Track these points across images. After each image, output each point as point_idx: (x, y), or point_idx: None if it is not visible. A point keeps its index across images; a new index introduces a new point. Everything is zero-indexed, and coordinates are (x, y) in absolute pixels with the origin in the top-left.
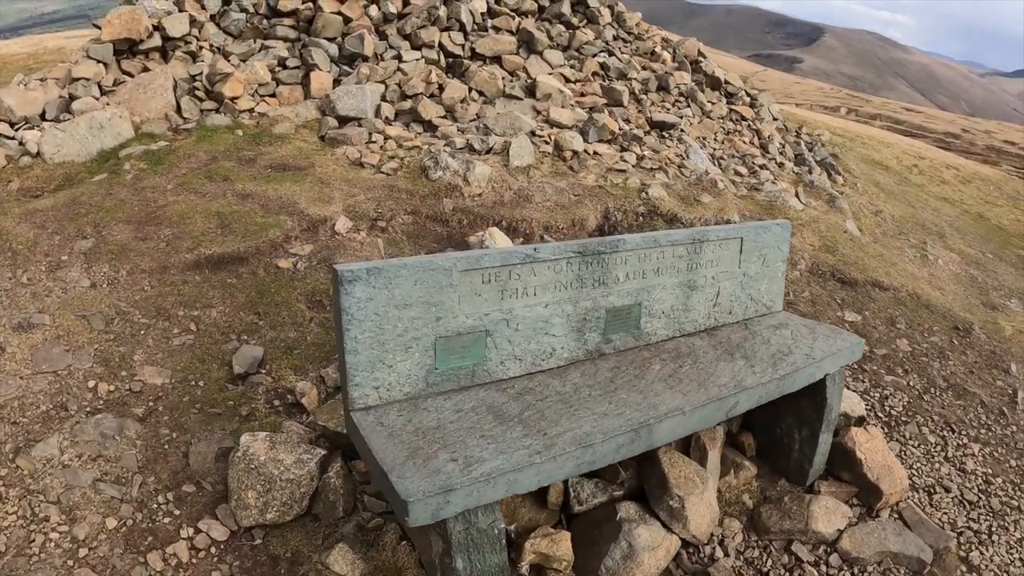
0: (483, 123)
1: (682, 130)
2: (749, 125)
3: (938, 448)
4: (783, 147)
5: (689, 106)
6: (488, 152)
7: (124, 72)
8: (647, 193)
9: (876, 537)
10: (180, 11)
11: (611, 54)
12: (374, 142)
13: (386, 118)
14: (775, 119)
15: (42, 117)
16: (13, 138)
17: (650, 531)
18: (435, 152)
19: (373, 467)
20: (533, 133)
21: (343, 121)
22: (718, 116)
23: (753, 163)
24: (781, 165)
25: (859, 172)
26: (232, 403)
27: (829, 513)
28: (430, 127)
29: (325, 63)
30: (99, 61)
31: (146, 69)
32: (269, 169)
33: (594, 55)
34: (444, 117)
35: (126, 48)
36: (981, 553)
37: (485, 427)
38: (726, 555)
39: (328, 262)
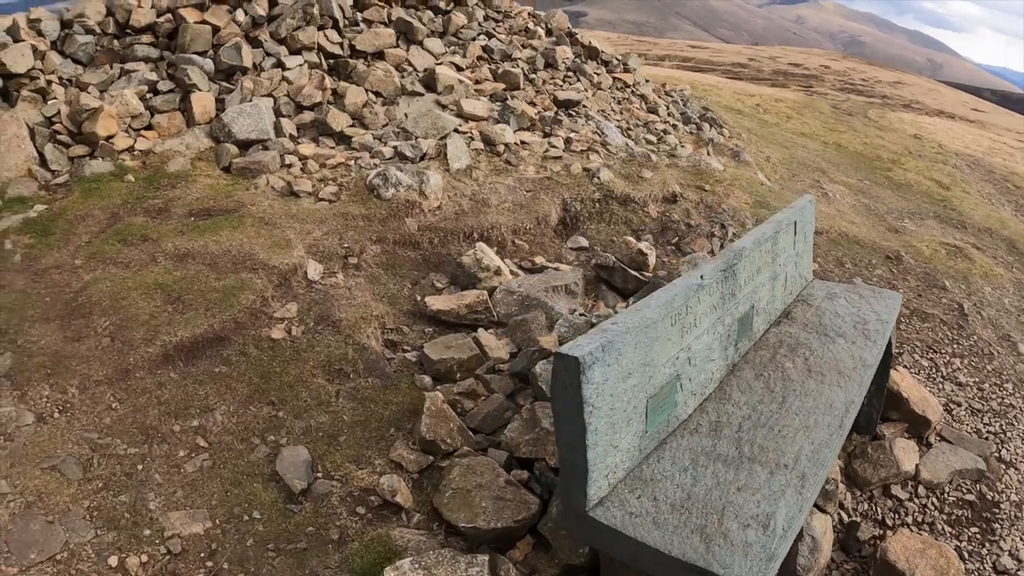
0: (400, 127)
1: (584, 105)
2: (633, 91)
3: (933, 370)
4: (668, 108)
5: (579, 80)
6: (423, 158)
7: None
8: (599, 178)
9: (943, 461)
10: (15, 41)
11: (490, 36)
12: (289, 165)
13: (291, 135)
14: (647, 81)
15: None
16: None
17: (815, 518)
18: (383, 169)
19: (665, 565)
20: (456, 130)
21: (243, 146)
22: (608, 87)
23: (655, 128)
24: (675, 127)
25: (729, 121)
26: (312, 529)
27: (907, 452)
28: (343, 139)
29: (203, 82)
30: None
31: None
32: (192, 218)
33: (473, 39)
34: (353, 126)
35: None
36: (1008, 450)
37: (729, 478)
38: (850, 515)
39: (324, 319)
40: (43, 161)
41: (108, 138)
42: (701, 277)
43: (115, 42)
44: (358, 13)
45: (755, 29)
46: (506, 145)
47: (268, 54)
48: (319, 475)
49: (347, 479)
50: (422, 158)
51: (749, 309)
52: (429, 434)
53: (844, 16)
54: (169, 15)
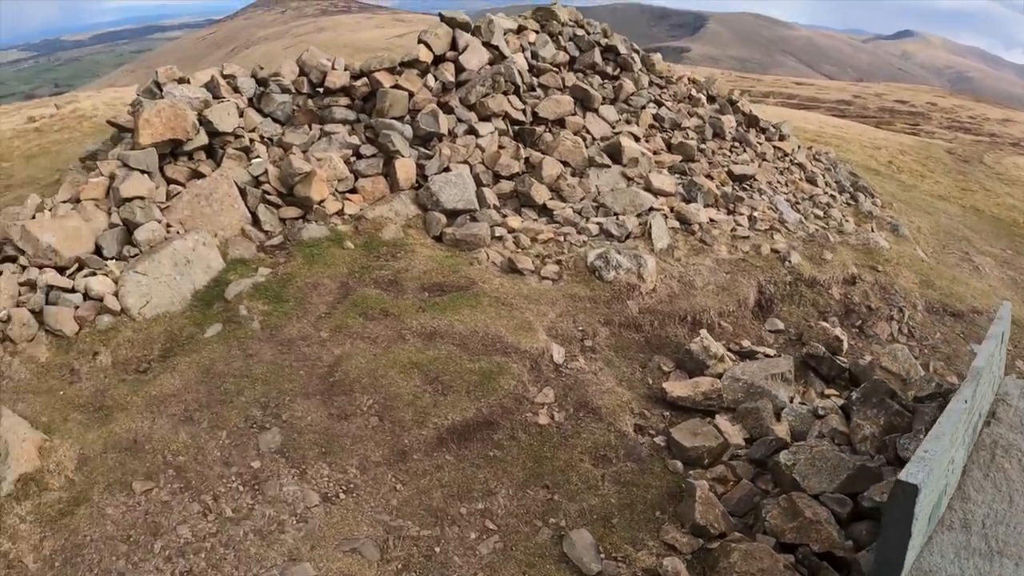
0: (598, 202)
1: (756, 179)
2: (791, 160)
3: None
4: (824, 177)
5: (745, 150)
6: (628, 237)
7: (169, 180)
8: (790, 261)
9: None
10: (216, 98)
11: (659, 104)
12: (500, 238)
13: (494, 206)
14: (800, 147)
15: (98, 254)
16: (73, 290)
17: None
18: (604, 251)
19: None
20: (653, 208)
21: (451, 215)
22: (771, 157)
23: (820, 202)
24: (834, 198)
25: (874, 185)
26: None
27: None
28: (544, 211)
29: (405, 148)
30: (143, 171)
31: (196, 174)
32: (425, 293)
33: (643, 107)
34: (552, 198)
35: (168, 151)
36: None
37: (986, 569)
38: None
39: (583, 405)
40: (255, 221)
41: (320, 202)
42: (965, 401)
43: (309, 102)
44: (534, 78)
45: (860, 65)
46: (699, 224)
47: (460, 120)
48: (602, 556)
49: (629, 560)
50: (627, 237)
51: (977, 418)
52: (701, 519)
53: (950, 51)
54: (365, 79)
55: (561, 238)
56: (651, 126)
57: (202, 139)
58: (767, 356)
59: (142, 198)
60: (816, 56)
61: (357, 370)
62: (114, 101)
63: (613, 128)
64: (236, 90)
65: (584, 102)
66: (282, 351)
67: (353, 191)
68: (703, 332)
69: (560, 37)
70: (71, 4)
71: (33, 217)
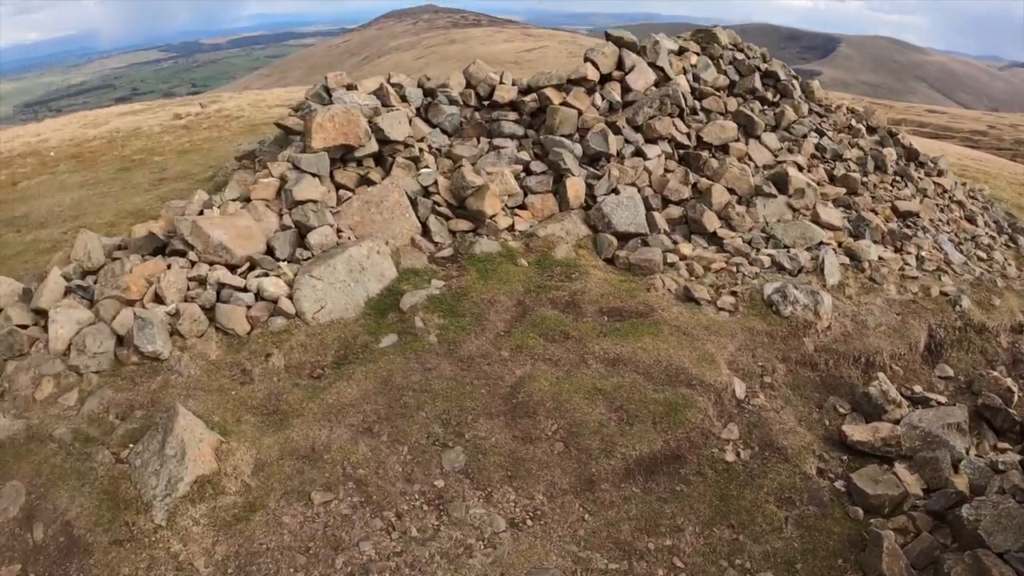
0: (768, 232)
1: (919, 216)
2: (951, 197)
3: None
4: (984, 217)
5: (906, 185)
6: (799, 272)
7: (338, 185)
8: (960, 306)
9: None
10: (385, 106)
11: (821, 133)
12: (672, 264)
13: (664, 231)
14: (957, 183)
15: (270, 254)
16: (246, 289)
17: None
18: (782, 286)
19: None
20: (823, 243)
21: (621, 237)
22: (932, 193)
23: (982, 243)
24: (994, 238)
25: None
26: None
27: None
28: (713, 239)
29: (575, 166)
30: (314, 175)
31: (365, 180)
32: (604, 317)
33: (804, 135)
34: (722, 227)
35: (339, 156)
36: None
37: None
38: None
39: (768, 444)
40: (425, 231)
41: (492, 216)
42: None
43: (476, 114)
44: (696, 102)
45: (995, 93)
46: (869, 262)
47: (627, 141)
48: None
49: None
50: (800, 271)
51: None
52: (888, 571)
53: None
54: (534, 95)
55: (734, 268)
56: (813, 156)
57: (372, 146)
58: (939, 404)
59: (315, 201)
60: (950, 83)
61: (540, 393)
62: (258, 103)
63: (775, 156)
64: (404, 99)
65: (747, 128)
66: (462, 367)
67: (522, 207)
68: (881, 376)
69: (720, 60)
70: (209, 9)
71: (201, 213)
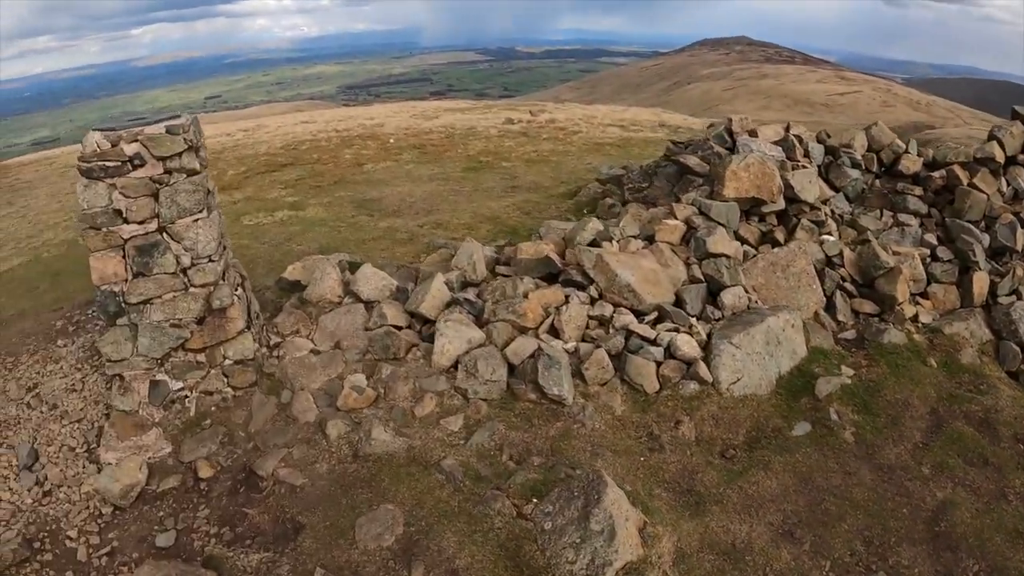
0: None
1: None
2: None
3: None
4: None
5: None
6: None
7: (740, 239)
8: None
9: None
10: (790, 159)
11: None
12: None
13: None
14: None
15: (678, 306)
16: (655, 343)
17: None
18: None
19: None
20: None
21: None
22: None
23: None
24: None
25: None
26: None
27: None
28: None
29: (983, 259)
30: (722, 225)
31: (767, 239)
32: (1020, 446)
33: None
34: None
35: (746, 209)
36: None
37: None
38: None
39: None
40: (828, 306)
41: (900, 303)
42: None
43: (877, 182)
44: None
45: None
46: None
47: None
48: None
49: None
50: None
51: None
52: None
53: None
54: (942, 172)
55: None
56: None
57: (780, 204)
58: None
59: (727, 256)
60: None
61: (963, 525)
62: (590, 118)
63: None
64: (806, 154)
65: None
66: (882, 478)
67: (923, 295)
68: None
69: None
70: (529, 19)
71: (594, 243)
